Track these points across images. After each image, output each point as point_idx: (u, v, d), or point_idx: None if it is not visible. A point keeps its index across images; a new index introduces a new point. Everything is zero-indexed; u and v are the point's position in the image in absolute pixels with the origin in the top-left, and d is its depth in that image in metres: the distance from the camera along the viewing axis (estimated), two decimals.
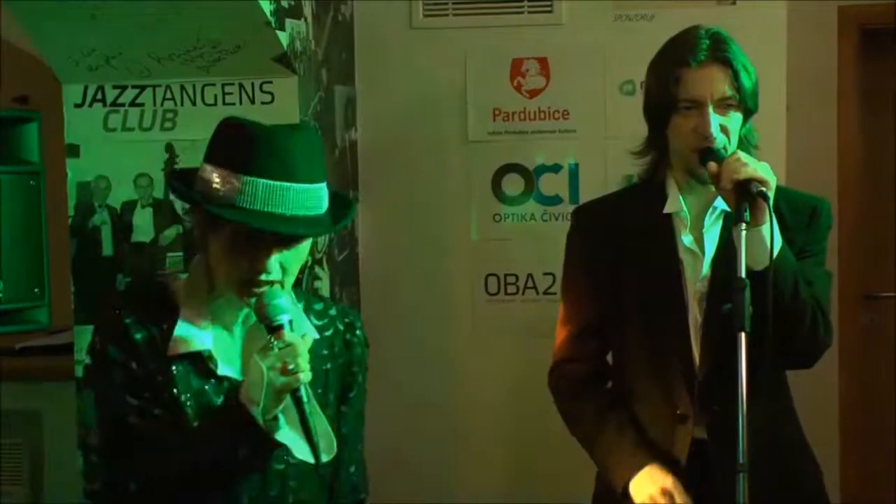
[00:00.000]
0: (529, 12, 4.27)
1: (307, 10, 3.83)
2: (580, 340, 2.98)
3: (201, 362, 2.28)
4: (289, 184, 2.23)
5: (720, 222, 2.85)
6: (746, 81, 2.78)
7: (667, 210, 2.84)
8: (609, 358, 3.03)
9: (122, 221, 3.77)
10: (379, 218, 4.39)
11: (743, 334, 2.51)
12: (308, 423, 2.18)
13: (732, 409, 2.78)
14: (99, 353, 2.27)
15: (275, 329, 2.20)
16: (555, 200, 4.30)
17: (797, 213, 2.85)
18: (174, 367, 2.25)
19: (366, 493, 2.62)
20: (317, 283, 3.88)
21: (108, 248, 3.78)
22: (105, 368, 2.26)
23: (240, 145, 2.30)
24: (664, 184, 2.86)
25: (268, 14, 3.50)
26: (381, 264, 4.41)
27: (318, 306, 2.49)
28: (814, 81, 5.21)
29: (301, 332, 2.27)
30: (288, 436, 2.21)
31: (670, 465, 2.82)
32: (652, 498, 2.77)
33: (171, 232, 3.76)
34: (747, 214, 2.58)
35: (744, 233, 2.57)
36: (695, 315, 2.83)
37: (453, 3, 4.29)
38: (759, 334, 2.52)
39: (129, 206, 3.76)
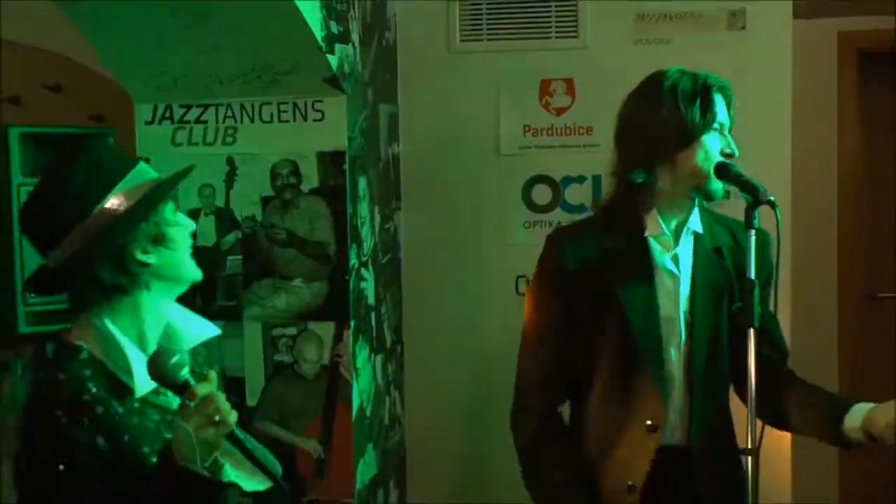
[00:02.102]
0: (557, 37, 4.26)
1: (354, 36, 3.83)
2: (551, 377, 2.87)
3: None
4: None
5: (691, 242, 2.82)
6: (732, 113, 2.80)
7: (648, 234, 2.78)
8: None
9: None
10: (419, 224, 4.39)
11: (752, 330, 2.52)
12: (254, 455, 2.06)
13: (716, 417, 2.81)
14: (49, 426, 2.03)
15: (182, 389, 2.02)
16: (580, 209, 4.28)
17: (739, 237, 2.80)
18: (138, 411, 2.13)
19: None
20: (363, 284, 3.88)
21: None
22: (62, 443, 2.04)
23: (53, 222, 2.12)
24: (639, 208, 2.78)
25: (319, 40, 3.50)
26: (421, 266, 4.41)
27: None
28: (816, 99, 5.20)
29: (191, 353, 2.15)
30: (233, 473, 2.08)
31: (637, 470, 2.76)
32: None
33: (230, 237, 3.76)
34: (756, 221, 2.57)
35: (753, 238, 2.56)
36: (676, 330, 2.78)
37: (487, 29, 4.29)
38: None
39: (194, 214, 3.75)
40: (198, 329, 2.29)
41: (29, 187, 2.98)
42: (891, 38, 5.13)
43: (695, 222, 2.81)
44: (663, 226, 2.78)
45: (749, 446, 2.51)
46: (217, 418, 1.98)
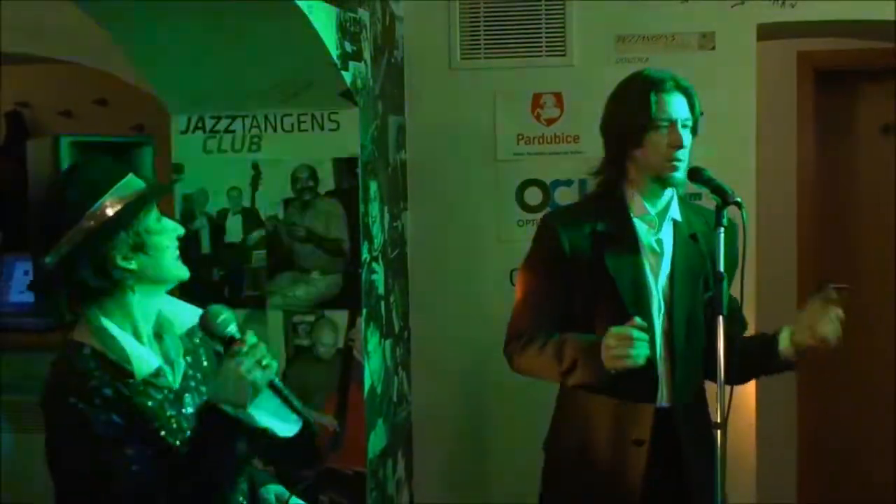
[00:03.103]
0: (547, 55, 4.24)
1: (366, 55, 3.81)
2: (540, 323, 2.83)
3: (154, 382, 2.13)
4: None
5: (671, 228, 2.81)
6: (697, 109, 2.76)
7: (635, 214, 2.78)
8: None
9: (217, 226, 3.76)
10: (424, 223, 4.37)
11: (721, 317, 2.50)
12: (290, 400, 2.10)
13: (694, 382, 2.78)
14: (74, 415, 2.01)
15: (231, 341, 2.08)
16: None
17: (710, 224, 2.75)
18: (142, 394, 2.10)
19: None
20: (373, 276, 3.86)
21: (206, 247, 3.77)
22: (86, 427, 2.01)
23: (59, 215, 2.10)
24: (623, 194, 2.80)
25: (335, 58, 3.48)
26: (426, 260, 4.39)
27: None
28: (778, 112, 5.20)
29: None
30: (266, 420, 2.10)
31: (643, 426, 2.75)
32: (618, 346, 2.55)
33: (256, 234, 3.74)
34: (725, 220, 2.55)
35: (722, 235, 2.54)
36: (658, 303, 2.76)
37: (485, 48, 4.27)
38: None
39: (223, 214, 3.75)
40: (187, 316, 2.25)
41: None
42: (844, 57, 5.14)
43: (674, 211, 2.80)
44: (648, 208, 2.76)
45: (719, 420, 2.49)
46: (264, 362, 2.05)
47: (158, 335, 2.20)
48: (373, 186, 3.85)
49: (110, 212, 2.08)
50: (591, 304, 2.77)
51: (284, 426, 2.13)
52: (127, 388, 2.06)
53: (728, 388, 2.50)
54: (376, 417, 3.88)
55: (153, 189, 2.18)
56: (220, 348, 2.13)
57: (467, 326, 4.34)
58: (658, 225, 2.79)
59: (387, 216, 4.06)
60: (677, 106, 2.73)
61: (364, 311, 3.73)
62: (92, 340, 2.09)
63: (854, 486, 5.36)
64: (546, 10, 4.23)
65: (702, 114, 2.81)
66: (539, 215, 4.25)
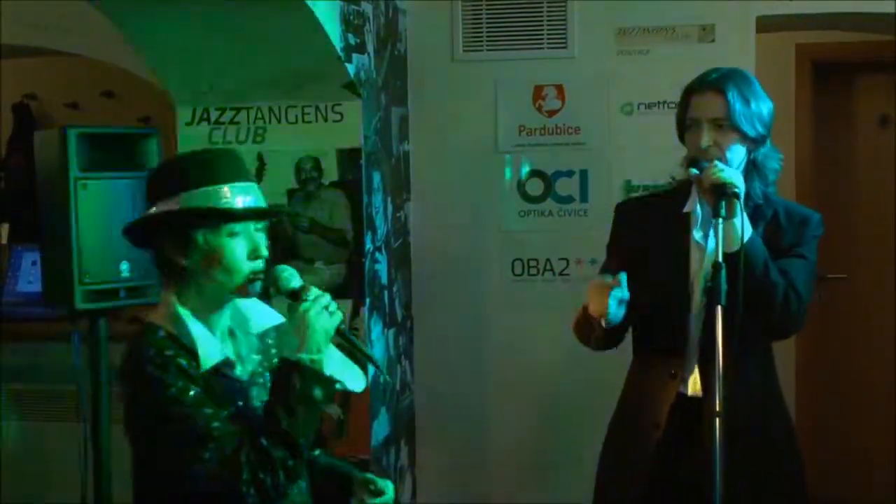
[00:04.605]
0: (548, 48, 4.24)
1: (370, 47, 3.81)
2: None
3: (221, 372, 2.13)
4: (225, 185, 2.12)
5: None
6: (739, 107, 2.72)
7: (686, 209, 2.82)
8: None
9: None
10: (427, 213, 4.38)
11: (720, 308, 2.50)
12: (356, 345, 2.16)
13: (727, 373, 2.77)
14: (158, 382, 2.03)
15: (298, 291, 2.14)
16: (568, 200, 4.27)
17: (791, 220, 2.85)
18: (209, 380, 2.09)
19: None
20: (377, 266, 3.86)
21: None
22: (168, 392, 2.03)
23: (172, 174, 2.15)
24: (689, 188, 2.82)
25: (338, 50, 3.49)
26: (429, 250, 4.39)
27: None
28: (776, 103, 5.14)
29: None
30: (332, 369, 2.11)
31: (660, 410, 2.77)
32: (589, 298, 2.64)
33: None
34: (723, 210, 2.56)
35: (721, 225, 2.54)
36: (697, 295, 2.77)
37: (487, 41, 4.27)
38: (737, 307, 2.50)
39: None
40: (265, 318, 2.28)
41: (85, 181, 2.95)
42: (842, 50, 5.13)
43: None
44: (697, 205, 2.78)
45: (717, 409, 2.50)
46: (330, 308, 2.11)
47: (233, 332, 2.22)
48: (376, 177, 3.86)
49: (229, 199, 2.11)
50: (639, 291, 2.78)
51: (353, 381, 2.19)
52: (197, 369, 2.07)
53: (726, 378, 2.50)
54: (380, 406, 3.89)
55: (277, 210, 2.30)
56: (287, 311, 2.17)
57: (470, 316, 4.34)
58: (702, 222, 2.79)
59: (390, 206, 4.07)
60: (707, 105, 2.73)
61: (367, 300, 3.74)
62: (167, 324, 2.11)
63: (853, 485, 5.36)
64: (547, 2, 4.23)
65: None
66: (540, 206, 4.29)
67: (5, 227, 5.58)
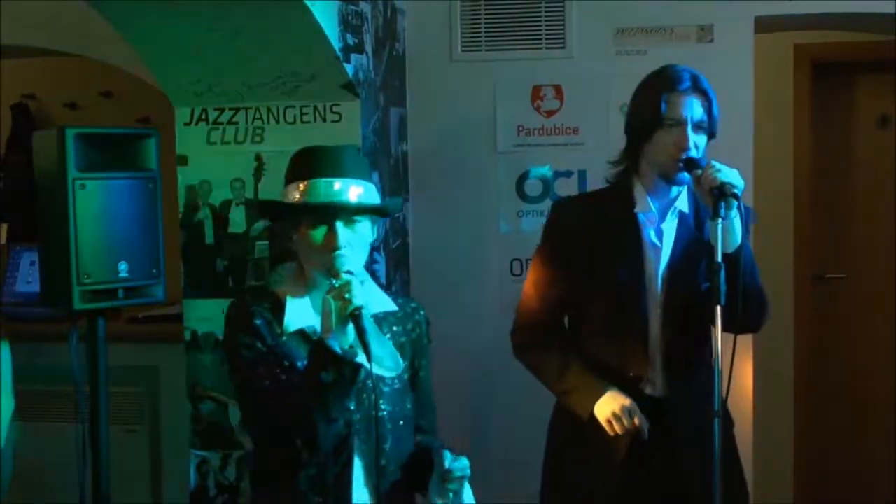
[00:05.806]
0: (547, 48, 4.24)
1: (368, 47, 3.81)
2: (546, 309, 2.92)
3: (307, 336, 2.45)
4: (339, 178, 2.46)
5: (676, 220, 2.82)
6: (715, 111, 2.77)
7: (638, 210, 2.81)
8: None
9: (220, 216, 3.77)
10: (426, 213, 4.37)
11: (719, 307, 2.49)
12: (363, 334, 2.26)
13: (690, 371, 2.78)
14: (230, 339, 2.47)
15: (335, 275, 2.35)
16: None
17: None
18: (288, 342, 2.44)
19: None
20: (375, 266, 3.86)
21: (209, 238, 3.78)
22: (237, 350, 2.43)
23: (303, 163, 2.53)
24: (631, 187, 2.82)
25: (337, 50, 3.48)
26: (428, 251, 4.39)
27: (391, 295, 2.64)
28: (775, 103, 5.19)
29: (372, 299, 2.43)
30: (364, 359, 2.30)
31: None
32: (614, 414, 2.72)
33: (259, 225, 3.74)
34: (724, 212, 2.55)
35: (720, 226, 2.54)
36: (654, 294, 2.78)
37: (485, 41, 4.26)
38: (737, 307, 2.50)
39: (226, 204, 3.76)
40: (375, 302, 2.52)
41: (83, 181, 2.93)
42: (841, 50, 5.13)
43: (682, 202, 2.80)
44: (650, 204, 2.77)
45: (717, 408, 2.50)
46: (346, 296, 2.28)
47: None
48: (374, 177, 3.85)
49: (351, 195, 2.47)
50: (588, 294, 2.80)
51: (382, 368, 2.43)
52: (280, 336, 2.44)
53: (727, 376, 2.50)
54: None
55: (389, 205, 2.63)
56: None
57: (468, 316, 4.33)
58: (659, 218, 2.80)
59: None
60: (690, 107, 2.73)
61: None
62: (262, 304, 2.48)
63: (853, 485, 5.36)
64: (546, 2, 4.22)
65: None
66: (539, 206, 4.28)
67: (4, 227, 5.58)
